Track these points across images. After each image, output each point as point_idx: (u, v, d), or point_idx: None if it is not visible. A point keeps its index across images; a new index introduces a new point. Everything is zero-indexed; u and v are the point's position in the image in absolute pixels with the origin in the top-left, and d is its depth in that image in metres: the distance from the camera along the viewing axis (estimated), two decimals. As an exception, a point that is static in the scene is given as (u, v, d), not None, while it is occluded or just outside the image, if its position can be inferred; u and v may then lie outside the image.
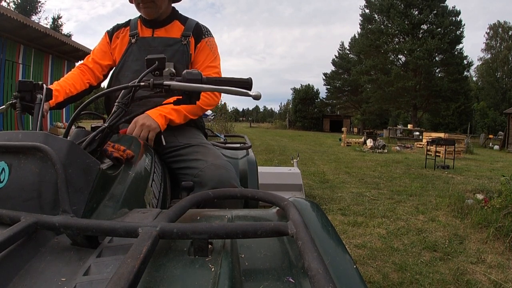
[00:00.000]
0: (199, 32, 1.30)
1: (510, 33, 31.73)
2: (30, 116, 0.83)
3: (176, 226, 0.40)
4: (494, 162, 9.85)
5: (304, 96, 37.67)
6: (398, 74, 27.05)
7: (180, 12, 1.35)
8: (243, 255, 0.44)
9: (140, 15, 1.30)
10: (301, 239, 0.37)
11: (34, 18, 21.65)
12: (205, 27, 1.33)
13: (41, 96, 0.84)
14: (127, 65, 1.24)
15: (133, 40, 1.26)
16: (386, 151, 11.43)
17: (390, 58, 29.50)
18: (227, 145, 1.76)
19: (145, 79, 0.74)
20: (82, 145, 0.61)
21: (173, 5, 1.32)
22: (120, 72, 1.25)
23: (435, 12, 27.29)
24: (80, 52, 9.49)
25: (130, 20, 1.34)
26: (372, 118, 35.16)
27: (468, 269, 2.39)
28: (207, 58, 1.29)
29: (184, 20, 1.31)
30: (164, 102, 1.01)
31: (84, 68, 1.31)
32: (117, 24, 1.34)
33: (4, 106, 0.87)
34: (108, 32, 1.33)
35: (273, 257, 0.44)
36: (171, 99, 0.75)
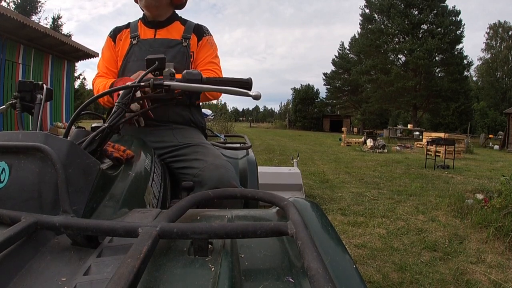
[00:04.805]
0: (200, 31, 1.32)
1: (510, 33, 31.68)
2: (30, 116, 0.83)
3: (176, 226, 0.40)
4: (494, 162, 9.84)
5: (304, 96, 37.67)
6: (398, 74, 27.04)
7: (182, 13, 1.38)
8: (243, 255, 0.44)
9: (140, 17, 1.33)
10: (301, 239, 0.37)
11: (34, 18, 21.62)
12: (205, 26, 1.36)
13: (41, 96, 0.84)
14: (129, 67, 1.24)
15: (134, 42, 1.26)
16: (386, 151, 11.42)
17: (390, 58, 29.49)
18: (227, 145, 1.76)
19: (145, 79, 0.74)
20: (82, 145, 0.61)
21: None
22: (124, 74, 1.25)
23: (435, 12, 27.29)
24: (80, 52, 9.49)
25: (129, 22, 1.34)
26: (372, 118, 35.15)
27: (468, 269, 2.38)
28: (208, 54, 1.31)
29: (184, 21, 1.33)
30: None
31: (105, 77, 1.28)
32: (117, 27, 1.35)
33: (4, 106, 0.87)
34: (110, 35, 1.32)
35: (273, 257, 0.44)
36: None
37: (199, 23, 1.35)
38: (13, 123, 7.53)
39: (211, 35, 1.35)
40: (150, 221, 0.42)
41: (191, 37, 1.28)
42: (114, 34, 1.32)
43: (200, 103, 1.38)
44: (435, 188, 5.25)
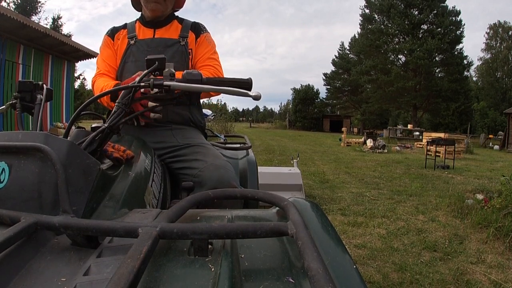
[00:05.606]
0: (198, 28, 1.33)
1: (510, 33, 31.69)
2: (30, 116, 0.83)
3: (176, 226, 0.40)
4: (494, 162, 9.84)
5: (304, 96, 37.67)
6: (398, 74, 27.05)
7: (182, 13, 1.39)
8: (243, 255, 0.44)
9: (138, 18, 1.33)
10: (301, 239, 0.37)
11: (34, 18, 21.63)
12: (202, 24, 1.37)
13: (41, 96, 0.84)
14: (127, 67, 1.24)
15: (132, 42, 1.26)
16: (386, 151, 11.42)
17: (390, 58, 29.49)
18: (227, 145, 1.76)
19: (145, 80, 0.74)
20: (82, 146, 0.61)
21: None
22: (122, 74, 1.25)
23: (435, 12, 27.30)
24: (80, 52, 9.49)
25: (126, 23, 1.35)
26: (372, 118, 35.15)
27: (468, 269, 2.38)
28: (207, 51, 1.32)
29: (180, 20, 1.34)
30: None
31: (106, 75, 1.27)
32: (114, 27, 1.35)
33: (4, 106, 0.87)
34: (108, 34, 1.33)
35: (273, 257, 0.44)
36: None
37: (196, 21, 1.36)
38: (13, 123, 7.53)
39: (208, 32, 1.36)
40: (150, 221, 0.42)
41: (189, 35, 1.29)
42: (112, 33, 1.32)
43: (201, 101, 1.38)
44: (435, 188, 5.25)
